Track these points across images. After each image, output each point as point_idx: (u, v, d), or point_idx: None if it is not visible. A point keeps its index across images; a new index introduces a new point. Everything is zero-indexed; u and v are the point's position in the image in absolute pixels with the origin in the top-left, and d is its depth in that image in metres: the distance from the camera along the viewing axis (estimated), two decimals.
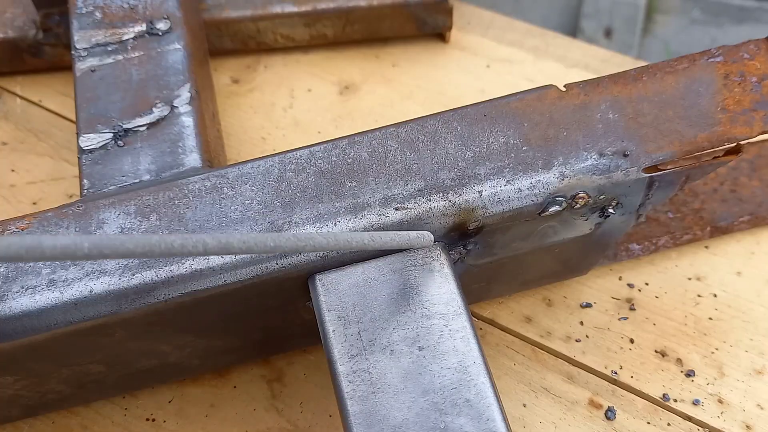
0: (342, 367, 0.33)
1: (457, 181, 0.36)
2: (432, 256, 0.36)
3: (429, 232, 0.35)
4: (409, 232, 0.34)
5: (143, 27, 0.46)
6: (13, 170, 0.56)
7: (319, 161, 0.37)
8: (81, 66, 0.45)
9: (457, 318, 0.34)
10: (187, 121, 0.43)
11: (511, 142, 0.37)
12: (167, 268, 0.35)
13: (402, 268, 0.35)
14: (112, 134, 0.42)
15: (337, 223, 0.35)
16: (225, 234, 0.24)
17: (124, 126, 0.42)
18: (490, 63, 0.62)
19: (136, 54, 0.45)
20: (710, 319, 0.48)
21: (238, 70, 0.62)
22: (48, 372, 0.39)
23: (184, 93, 0.44)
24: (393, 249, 0.35)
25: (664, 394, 0.45)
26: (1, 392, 0.39)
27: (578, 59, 0.62)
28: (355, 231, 0.35)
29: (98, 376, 0.41)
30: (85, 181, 0.40)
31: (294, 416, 0.45)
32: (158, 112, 0.43)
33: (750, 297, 0.49)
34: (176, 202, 0.37)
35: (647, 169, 0.36)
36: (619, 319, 0.48)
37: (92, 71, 0.45)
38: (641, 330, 0.48)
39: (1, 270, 0.35)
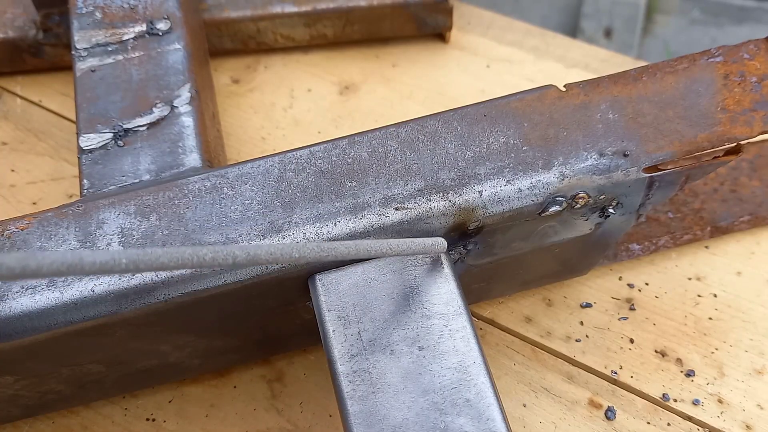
0: (342, 367, 0.33)
1: (457, 181, 0.36)
2: (432, 257, 0.36)
3: (443, 238, 0.35)
4: (425, 239, 0.34)
5: (143, 27, 0.46)
6: (13, 170, 0.56)
7: (319, 161, 0.37)
8: (81, 66, 0.45)
9: (457, 318, 0.34)
10: (187, 121, 0.43)
11: (511, 142, 0.37)
12: None
13: (402, 268, 0.35)
14: (112, 134, 0.42)
15: (337, 223, 0.35)
16: (253, 245, 0.24)
17: (124, 126, 0.42)
18: (490, 63, 0.62)
19: (136, 54, 0.45)
20: (710, 319, 0.48)
21: (238, 70, 0.62)
22: (48, 372, 0.39)
23: (184, 93, 0.44)
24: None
25: (664, 394, 0.45)
26: (1, 392, 0.39)
27: (578, 59, 0.62)
28: (356, 232, 0.35)
29: (98, 376, 0.41)
30: (85, 181, 0.40)
31: (294, 416, 0.45)
32: (158, 112, 0.43)
33: (750, 297, 0.49)
34: (176, 202, 0.37)
35: (647, 169, 0.36)
36: (619, 319, 0.48)
37: (92, 71, 0.45)
38: (641, 330, 0.48)
39: None
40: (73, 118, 0.58)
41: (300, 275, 0.36)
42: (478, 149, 0.37)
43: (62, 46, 0.58)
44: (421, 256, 0.36)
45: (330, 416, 0.45)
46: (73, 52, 0.45)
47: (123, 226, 0.36)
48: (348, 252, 0.29)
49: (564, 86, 0.38)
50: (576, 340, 0.47)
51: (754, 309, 0.48)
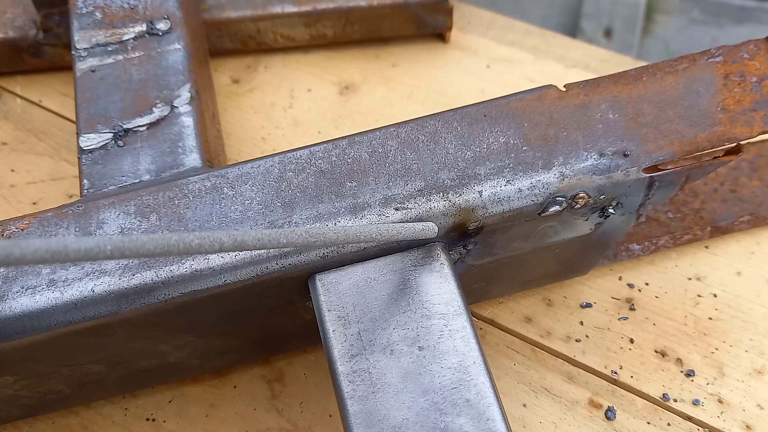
0: (342, 367, 0.33)
1: (457, 181, 0.36)
2: (432, 256, 0.36)
3: (433, 223, 0.35)
4: (414, 223, 0.34)
5: (143, 27, 0.46)
6: (13, 170, 0.56)
7: (319, 161, 0.37)
8: (81, 66, 0.45)
9: (457, 318, 0.34)
10: (187, 121, 0.43)
11: (511, 142, 0.37)
12: (167, 268, 0.35)
13: (402, 268, 0.35)
14: (112, 134, 0.42)
15: (337, 223, 0.35)
16: (240, 231, 0.24)
17: (124, 126, 0.42)
18: (490, 63, 0.62)
19: (136, 54, 0.45)
20: (710, 319, 0.48)
21: (238, 70, 0.62)
22: (48, 372, 0.39)
23: (184, 93, 0.44)
24: (398, 243, 0.35)
25: (664, 394, 0.45)
26: (2, 392, 0.39)
27: (578, 59, 0.62)
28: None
29: (98, 376, 0.41)
30: (85, 181, 0.40)
31: (294, 416, 0.45)
32: (158, 112, 0.43)
33: (750, 297, 0.49)
34: (176, 202, 0.37)
35: (647, 169, 0.36)
36: (619, 319, 0.48)
37: (92, 71, 0.45)
38: (641, 330, 0.48)
39: (2, 270, 0.35)
40: (73, 118, 0.58)
41: (300, 275, 0.36)
42: (478, 149, 0.37)
43: (62, 46, 0.58)
44: (421, 256, 0.36)
45: (330, 416, 0.45)
46: (73, 52, 0.45)
47: (123, 226, 0.36)
48: (336, 237, 0.28)
49: (564, 86, 0.38)
50: (576, 340, 0.47)
51: (754, 309, 0.48)
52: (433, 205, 0.36)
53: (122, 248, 0.20)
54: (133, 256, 0.20)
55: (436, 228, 0.35)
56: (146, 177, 0.40)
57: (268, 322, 0.41)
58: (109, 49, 0.45)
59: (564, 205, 0.37)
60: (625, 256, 0.50)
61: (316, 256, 0.35)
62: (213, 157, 0.44)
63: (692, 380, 0.46)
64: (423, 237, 0.34)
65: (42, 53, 0.59)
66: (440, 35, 0.63)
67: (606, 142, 0.36)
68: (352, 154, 0.37)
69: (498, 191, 0.36)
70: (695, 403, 0.45)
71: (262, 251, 0.35)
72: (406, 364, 0.33)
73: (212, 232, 0.23)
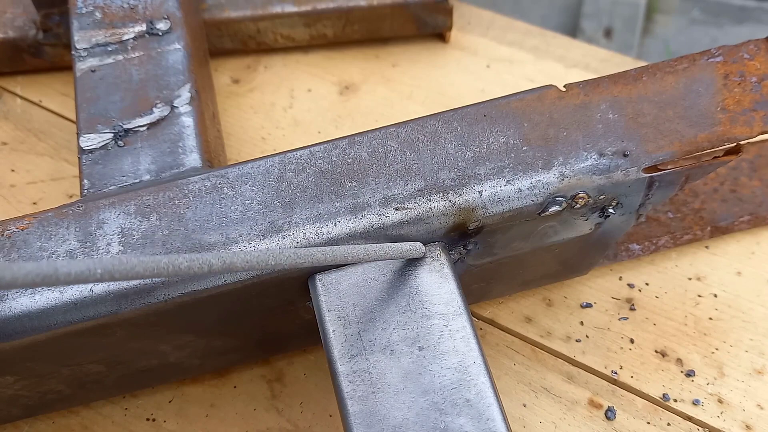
0: (342, 367, 0.33)
1: (457, 181, 0.36)
2: (432, 256, 0.36)
3: (420, 243, 0.35)
4: (402, 244, 0.34)
5: (143, 27, 0.46)
6: (13, 170, 0.56)
7: (319, 161, 0.37)
8: (81, 66, 0.45)
9: (457, 318, 0.34)
10: (187, 121, 0.43)
11: (511, 142, 0.37)
12: None
13: (402, 268, 0.35)
14: (112, 134, 0.42)
15: (337, 223, 0.35)
16: (229, 253, 0.24)
17: (124, 126, 0.42)
18: (490, 63, 0.62)
19: (136, 54, 0.45)
20: (710, 319, 0.48)
21: (238, 70, 0.62)
22: (48, 372, 0.39)
23: (184, 93, 0.44)
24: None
25: (664, 394, 0.45)
26: (2, 392, 0.39)
27: (578, 59, 0.62)
28: (356, 232, 0.35)
29: (98, 376, 0.41)
30: (85, 181, 0.40)
31: (294, 416, 0.45)
32: (158, 112, 0.43)
33: (750, 297, 0.49)
34: (176, 202, 0.37)
35: (647, 169, 0.36)
36: (619, 319, 0.48)
37: (92, 71, 0.45)
38: (641, 330, 0.48)
39: None
40: (73, 118, 0.58)
41: (300, 275, 0.36)
42: (478, 149, 0.37)
43: (62, 46, 0.58)
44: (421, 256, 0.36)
45: (330, 416, 0.45)
46: (73, 52, 0.45)
47: (123, 226, 0.36)
48: (324, 258, 0.29)
49: (564, 86, 0.38)
50: (576, 340, 0.47)
51: (754, 309, 0.48)
52: (433, 205, 0.36)
53: (112, 271, 0.20)
54: (123, 278, 0.21)
55: (423, 248, 0.35)
56: (146, 177, 0.40)
57: (268, 322, 0.41)
58: (109, 49, 0.45)
59: (564, 205, 0.37)
60: (625, 256, 0.50)
61: None
62: (213, 157, 0.44)
63: (692, 380, 0.46)
64: (410, 257, 0.34)
65: (42, 53, 0.59)
66: (440, 35, 0.63)
67: (606, 142, 0.36)
68: (352, 154, 0.37)
69: (498, 191, 0.36)
70: (695, 403, 0.45)
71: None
72: (406, 364, 0.33)
73: (202, 255, 0.23)
